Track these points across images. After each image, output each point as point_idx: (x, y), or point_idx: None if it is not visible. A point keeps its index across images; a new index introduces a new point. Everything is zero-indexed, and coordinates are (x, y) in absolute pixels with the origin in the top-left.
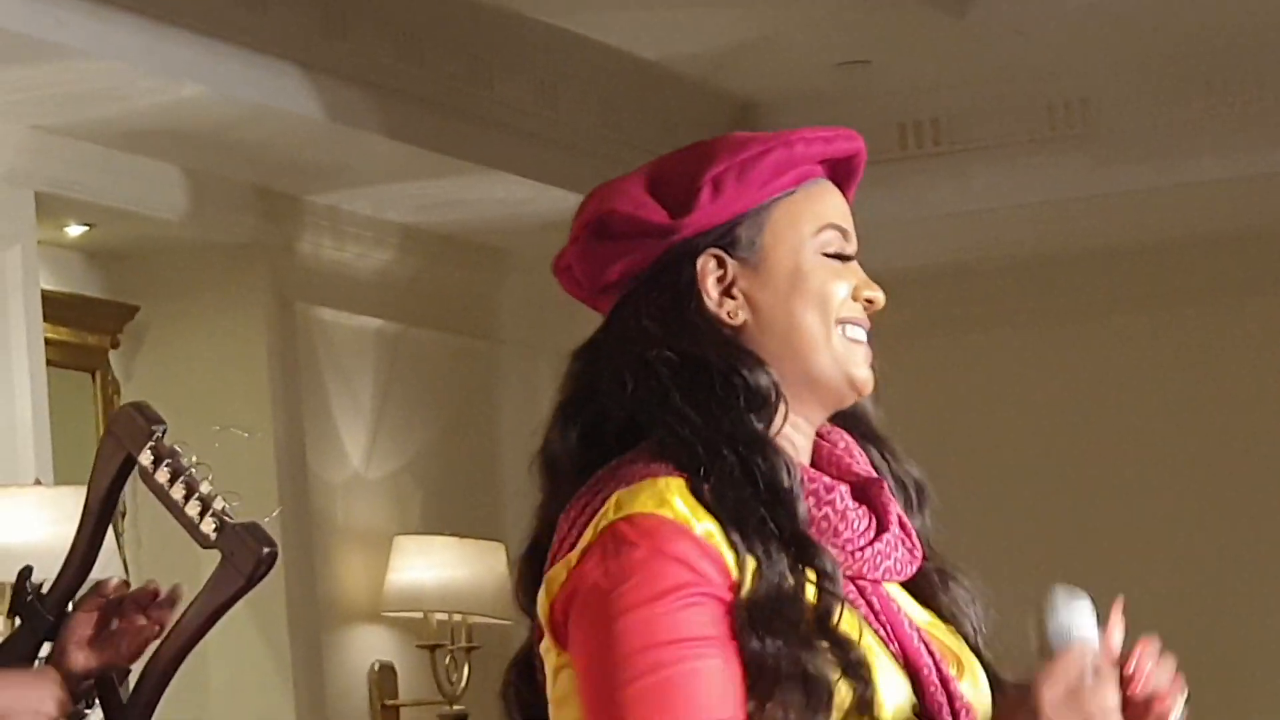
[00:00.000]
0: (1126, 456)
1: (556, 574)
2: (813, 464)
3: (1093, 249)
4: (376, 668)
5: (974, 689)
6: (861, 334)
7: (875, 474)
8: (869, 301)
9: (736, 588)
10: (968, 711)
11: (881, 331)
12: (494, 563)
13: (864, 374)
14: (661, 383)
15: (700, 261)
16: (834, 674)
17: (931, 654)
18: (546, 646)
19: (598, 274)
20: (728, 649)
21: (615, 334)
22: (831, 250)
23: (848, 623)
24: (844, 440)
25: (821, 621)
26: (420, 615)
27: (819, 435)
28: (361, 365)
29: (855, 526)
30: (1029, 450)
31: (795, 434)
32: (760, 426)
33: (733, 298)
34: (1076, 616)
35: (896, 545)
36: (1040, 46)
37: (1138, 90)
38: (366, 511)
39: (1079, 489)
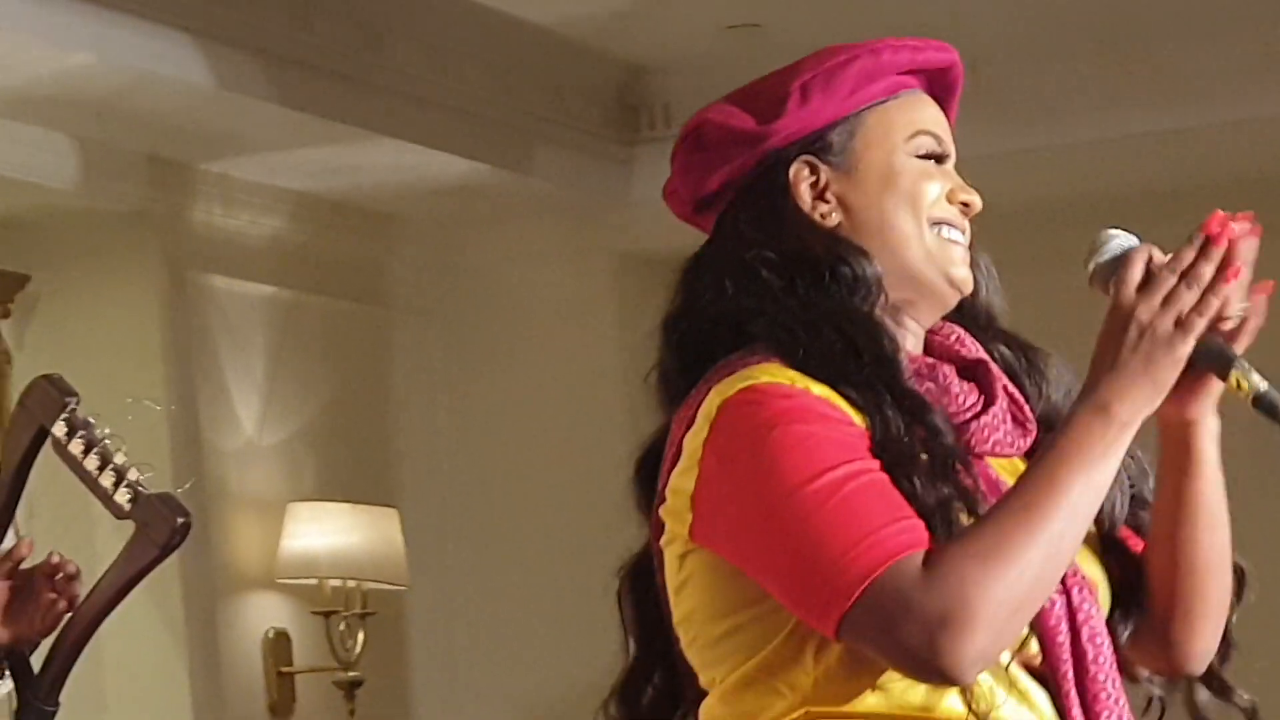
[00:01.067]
0: None
1: (685, 473)
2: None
3: (983, 210)
4: (271, 634)
5: (1091, 564)
6: (957, 234)
7: (984, 356)
8: (965, 205)
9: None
10: (1081, 586)
11: None
12: (387, 528)
13: (962, 273)
14: (762, 278)
15: (794, 168)
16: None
17: None
18: (670, 537)
19: (697, 186)
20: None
21: (716, 244)
22: (924, 152)
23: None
24: (956, 331)
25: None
26: (314, 582)
27: (931, 331)
28: (253, 332)
29: (961, 401)
30: None
31: (904, 332)
32: (862, 306)
33: (826, 201)
34: (1130, 239)
35: (1005, 418)
36: (929, 7)
37: (1026, 50)
38: (260, 478)
39: None
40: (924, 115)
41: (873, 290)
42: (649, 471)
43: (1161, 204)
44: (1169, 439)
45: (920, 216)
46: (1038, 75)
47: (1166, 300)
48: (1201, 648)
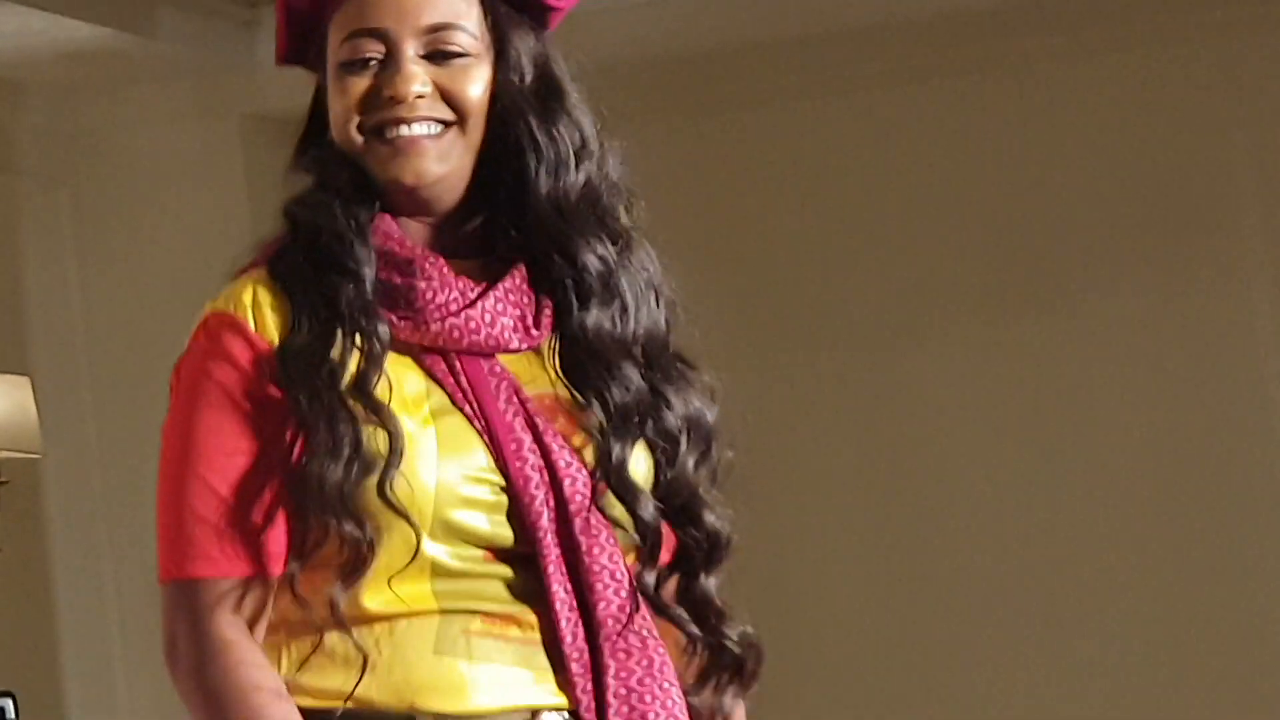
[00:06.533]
0: None
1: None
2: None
3: (604, 61)
4: None
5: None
6: (395, 131)
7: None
8: (390, 99)
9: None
10: (575, 480)
11: None
12: (20, 396)
13: (394, 173)
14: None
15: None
16: (365, 428)
17: (532, 425)
18: None
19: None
20: (262, 448)
21: None
22: (347, 59)
23: (388, 390)
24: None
25: (358, 384)
26: None
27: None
28: None
29: (435, 299)
30: None
31: (413, 224)
32: (342, 208)
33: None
34: None
35: (493, 320)
36: None
37: None
38: None
39: None
40: (355, 10)
41: (342, 188)
42: None
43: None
44: None
45: (349, 134)
46: None
47: None
48: None
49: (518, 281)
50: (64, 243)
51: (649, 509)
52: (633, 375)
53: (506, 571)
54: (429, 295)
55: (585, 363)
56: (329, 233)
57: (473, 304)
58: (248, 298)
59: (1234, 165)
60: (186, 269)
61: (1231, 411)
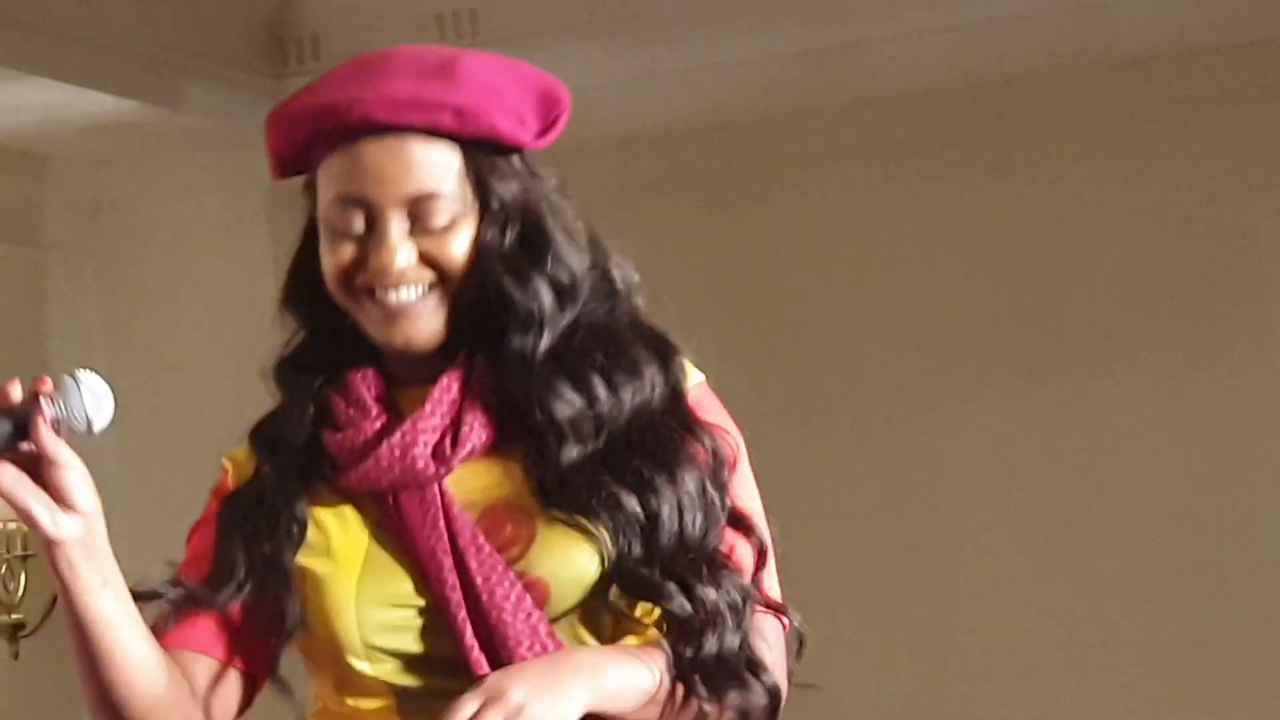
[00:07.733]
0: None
1: None
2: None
3: (631, 133)
4: None
5: (547, 560)
6: (386, 296)
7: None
8: (377, 269)
9: None
10: (494, 594)
11: None
12: None
13: (385, 336)
14: None
15: None
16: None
17: (455, 550)
18: None
19: None
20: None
21: None
22: (332, 224)
23: (315, 537)
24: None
25: (272, 563)
26: None
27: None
28: None
29: (351, 447)
30: None
31: (396, 362)
32: (301, 387)
33: None
34: (90, 399)
35: (403, 453)
36: None
37: None
38: None
39: None
40: (333, 178)
41: (302, 340)
42: None
43: (802, 125)
44: None
45: (345, 297)
46: None
47: None
48: None
49: (435, 409)
50: (89, 314)
51: (673, 594)
52: (617, 491)
53: (458, 686)
54: (346, 446)
55: (567, 487)
56: (285, 409)
57: (379, 443)
58: (240, 455)
59: (1260, 230)
60: (211, 340)
61: (1260, 479)
